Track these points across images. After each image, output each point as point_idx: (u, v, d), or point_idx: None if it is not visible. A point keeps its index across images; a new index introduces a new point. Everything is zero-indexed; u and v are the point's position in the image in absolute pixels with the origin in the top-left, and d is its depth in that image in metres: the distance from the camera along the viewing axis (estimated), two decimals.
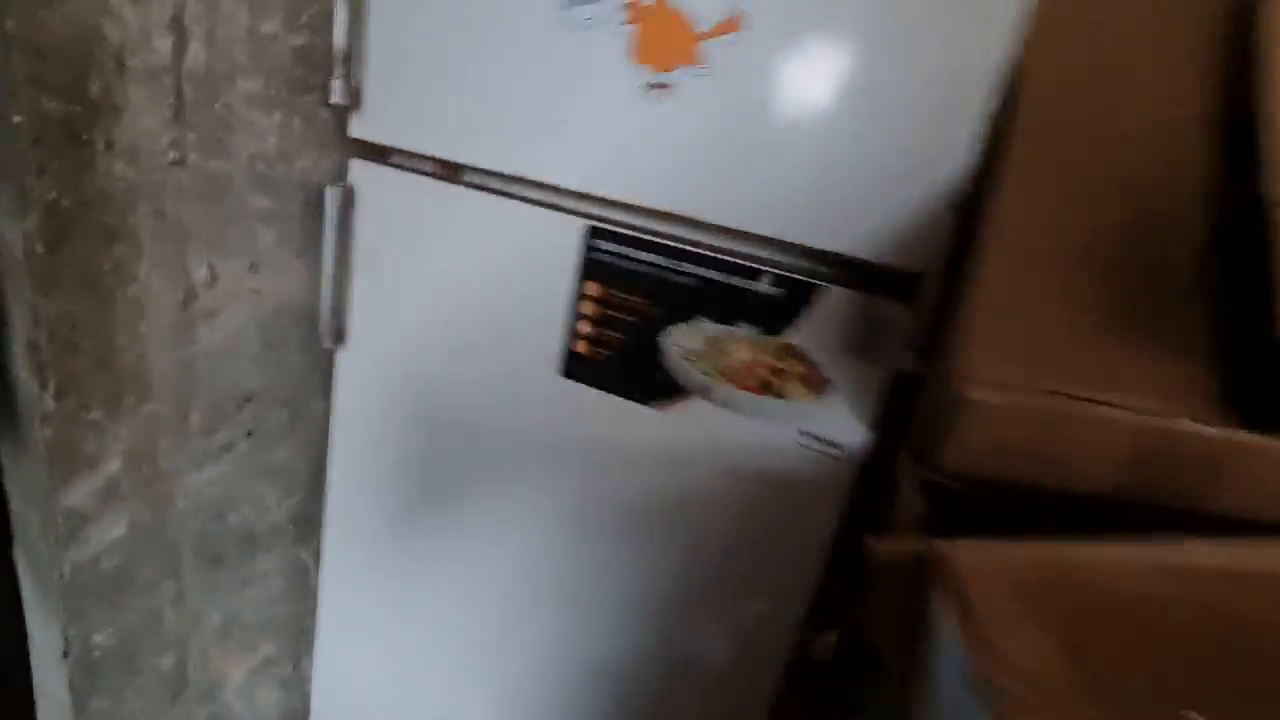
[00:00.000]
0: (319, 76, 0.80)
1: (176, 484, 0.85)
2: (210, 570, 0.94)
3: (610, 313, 0.77)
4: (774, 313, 0.70)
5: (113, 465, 0.78)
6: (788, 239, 0.69)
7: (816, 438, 0.71)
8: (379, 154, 0.83)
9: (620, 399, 0.79)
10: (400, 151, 0.82)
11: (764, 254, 0.70)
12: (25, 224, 0.63)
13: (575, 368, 0.80)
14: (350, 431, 0.97)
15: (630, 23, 0.68)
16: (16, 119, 0.60)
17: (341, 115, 0.83)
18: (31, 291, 0.66)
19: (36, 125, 0.61)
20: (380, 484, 0.98)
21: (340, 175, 0.86)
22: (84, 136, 0.64)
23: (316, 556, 1.07)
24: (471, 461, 0.92)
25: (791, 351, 0.70)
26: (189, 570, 0.91)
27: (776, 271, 0.69)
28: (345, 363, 0.93)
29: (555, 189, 0.76)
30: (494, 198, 0.79)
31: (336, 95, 0.79)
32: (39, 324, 0.68)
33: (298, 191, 0.83)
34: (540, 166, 0.76)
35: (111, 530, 0.80)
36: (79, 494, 0.76)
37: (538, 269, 0.79)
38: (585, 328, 0.78)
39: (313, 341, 0.92)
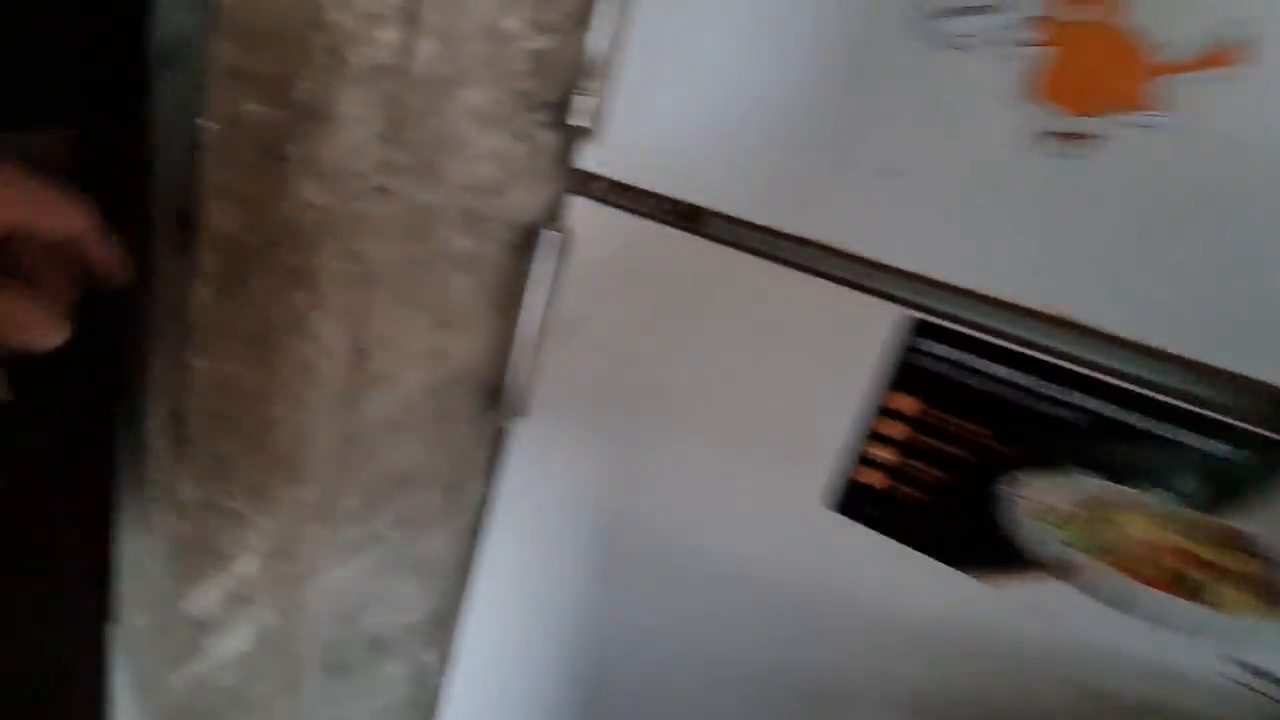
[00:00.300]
0: (552, 90, 0.62)
1: (313, 583, 0.68)
2: (332, 681, 0.76)
3: (926, 439, 0.56)
4: (1213, 479, 0.47)
5: (248, 564, 0.61)
6: (1258, 376, 0.46)
7: (1259, 673, 0.48)
8: (611, 192, 0.65)
9: (921, 555, 0.57)
10: (641, 192, 0.64)
11: (1209, 392, 0.48)
12: (196, 259, 0.47)
13: (856, 502, 0.59)
14: (512, 522, 0.79)
15: (1037, 45, 0.48)
16: (210, 124, 0.44)
17: (569, 140, 0.66)
18: (189, 348, 0.50)
19: (231, 134, 0.45)
20: (536, 585, 0.79)
21: (555, 214, 0.68)
22: (282, 151, 0.48)
23: (443, 661, 0.89)
24: (667, 592, 0.71)
25: (1238, 541, 0.47)
26: (309, 682, 0.74)
27: (1229, 420, 0.47)
28: (521, 441, 0.75)
29: (866, 261, 0.56)
30: (767, 264, 0.60)
31: (578, 116, 0.61)
32: (191, 390, 0.51)
33: (502, 232, 0.66)
34: (848, 229, 0.56)
35: (235, 641, 0.63)
36: (206, 599, 0.59)
37: (815, 363, 0.59)
38: (882, 453, 0.57)
39: (485, 413, 0.74)
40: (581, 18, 0.61)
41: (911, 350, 0.55)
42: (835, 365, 0.58)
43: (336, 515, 0.66)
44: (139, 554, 0.62)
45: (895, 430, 0.57)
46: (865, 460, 0.58)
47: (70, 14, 0.53)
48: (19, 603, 0.68)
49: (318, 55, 0.47)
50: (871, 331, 0.56)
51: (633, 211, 0.65)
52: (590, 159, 0.66)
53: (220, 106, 0.44)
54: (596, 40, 0.60)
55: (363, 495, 0.68)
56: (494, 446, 0.78)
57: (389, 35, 0.50)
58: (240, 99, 0.45)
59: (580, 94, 0.62)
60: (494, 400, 0.75)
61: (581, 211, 0.68)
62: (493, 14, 0.55)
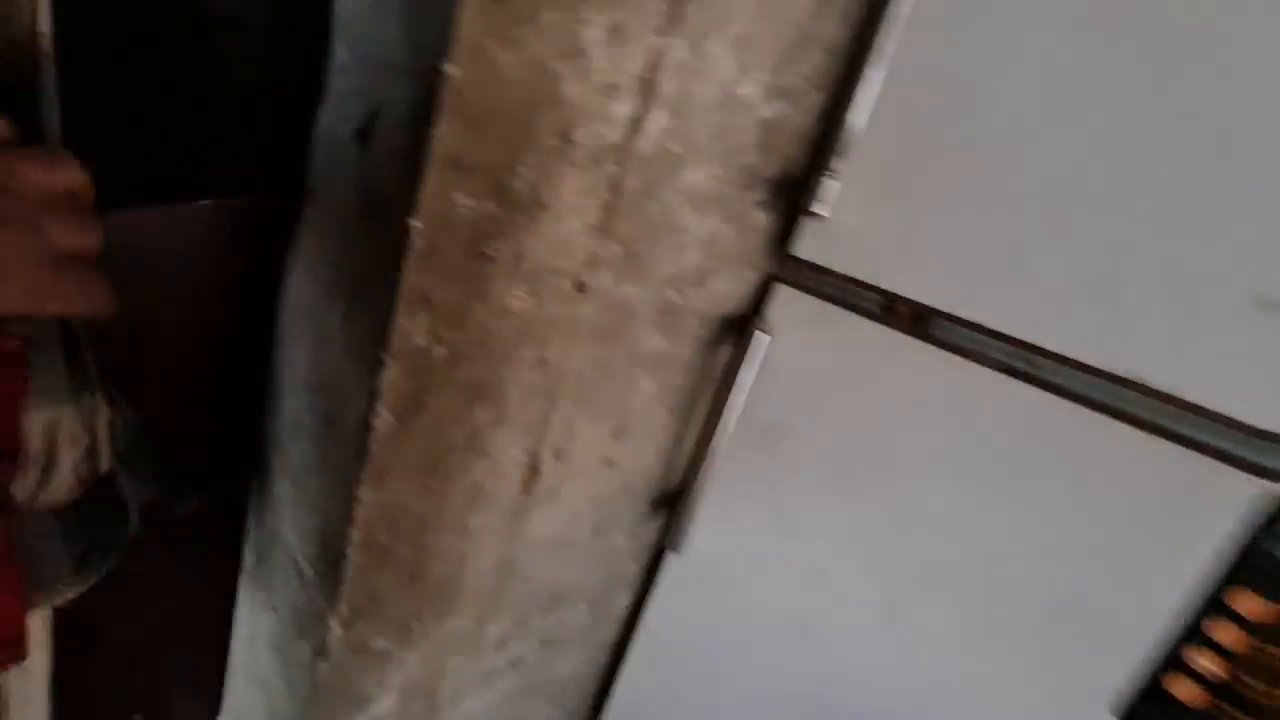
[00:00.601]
0: (774, 165, 0.52)
1: (450, 715, 0.59)
2: None
3: (1272, 651, 0.42)
4: None
5: (386, 702, 0.53)
6: None
7: None
8: (833, 284, 0.54)
9: None
10: (871, 288, 0.52)
11: None
12: (380, 380, 0.39)
13: (1157, 716, 0.45)
14: (658, 643, 0.68)
15: None
16: (414, 223, 0.36)
17: (786, 223, 0.55)
18: (361, 478, 0.41)
19: (437, 232, 0.36)
20: (678, 715, 0.68)
21: (755, 307, 0.57)
22: (488, 251, 0.39)
23: None
24: None
25: None
26: None
27: None
28: (683, 556, 0.64)
29: (1219, 417, 0.43)
30: (1056, 399, 0.47)
31: (807, 195, 0.50)
32: (353, 523, 0.43)
33: (697, 327, 0.55)
34: (1195, 372, 0.43)
35: None
36: None
37: (1125, 535, 0.46)
38: (1208, 661, 0.43)
39: (642, 524, 0.64)
40: (822, 80, 0.51)
41: (1269, 535, 0.41)
42: (1156, 541, 0.44)
43: (484, 644, 0.57)
44: (274, 704, 0.54)
45: (1230, 636, 0.43)
46: (1181, 667, 0.44)
47: (243, 88, 0.45)
48: (120, 696, 0.62)
49: (545, 136, 0.38)
50: (1215, 506, 0.42)
51: (860, 311, 0.53)
52: (811, 245, 0.55)
53: (433, 201, 0.35)
54: (858, 108, 0.49)
55: (512, 620, 0.58)
56: (649, 559, 0.68)
57: (622, 109, 0.40)
58: (453, 191, 0.36)
59: (817, 171, 0.51)
60: (658, 511, 0.64)
61: (792, 305, 0.57)
62: (732, 78, 0.45)
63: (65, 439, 0.38)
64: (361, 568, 0.44)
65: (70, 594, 0.41)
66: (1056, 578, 0.48)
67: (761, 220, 0.54)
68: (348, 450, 0.42)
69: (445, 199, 0.36)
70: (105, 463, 0.41)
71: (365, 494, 0.41)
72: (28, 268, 0.28)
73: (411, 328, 0.38)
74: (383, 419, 0.39)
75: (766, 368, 0.55)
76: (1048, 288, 0.47)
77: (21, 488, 0.36)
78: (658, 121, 0.43)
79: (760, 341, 0.53)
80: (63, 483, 0.39)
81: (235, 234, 0.52)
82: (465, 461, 0.46)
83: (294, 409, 0.50)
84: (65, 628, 0.51)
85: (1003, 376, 0.50)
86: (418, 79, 0.35)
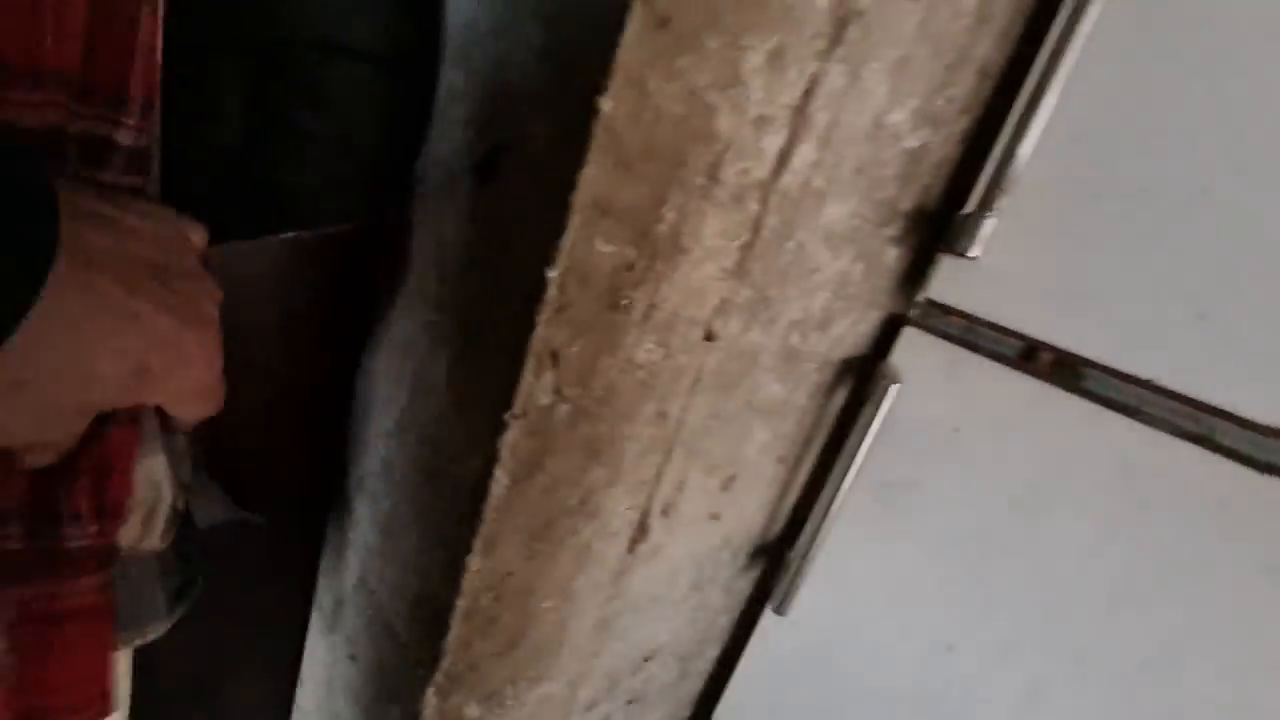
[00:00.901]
0: (911, 198, 0.47)
1: None
2: None
3: None
4: None
5: None
6: None
7: None
8: (972, 329, 0.49)
9: None
10: (1015, 335, 0.47)
11: None
12: (498, 441, 0.35)
13: None
14: (748, 709, 0.63)
15: None
16: (550, 272, 0.32)
17: (920, 262, 0.50)
18: (471, 546, 0.38)
19: (573, 281, 0.33)
20: None
21: (879, 351, 0.53)
22: (625, 300, 0.35)
23: None
24: None
25: None
26: None
27: None
28: (785, 615, 0.59)
29: None
30: (1224, 464, 0.41)
31: (968, 236, 0.45)
32: (459, 593, 0.39)
33: (817, 373, 0.51)
34: None
35: None
36: None
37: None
38: None
39: (739, 578, 0.59)
40: (969, 105, 0.46)
41: None
42: None
43: (574, 708, 0.53)
44: None
45: None
46: None
47: (338, 114, 0.42)
48: None
49: (693, 175, 0.34)
50: None
51: (997, 357, 0.48)
52: (947, 285, 0.50)
53: (573, 248, 0.31)
54: (987, 135, 0.44)
55: (605, 680, 0.54)
56: (741, 613, 0.63)
57: (773, 143, 0.36)
58: (595, 237, 0.32)
59: (960, 205, 0.46)
60: (755, 563, 0.60)
61: (919, 348, 0.52)
62: (884, 105, 0.40)
63: (164, 485, 0.36)
64: (463, 637, 0.41)
65: (163, 630, 0.40)
66: (1238, 681, 0.42)
67: (893, 257, 0.49)
68: (453, 511, 0.39)
69: (586, 245, 0.32)
70: (183, 498, 0.39)
71: (474, 562, 0.38)
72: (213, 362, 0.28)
73: (536, 386, 0.34)
74: (499, 483, 0.35)
75: (889, 415, 0.50)
76: (1231, 345, 0.42)
77: (125, 537, 0.34)
78: (805, 155, 0.38)
79: (889, 390, 0.48)
80: (161, 526, 0.37)
81: (321, 263, 0.49)
82: (575, 524, 0.42)
83: (387, 453, 0.47)
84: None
85: (1169, 437, 0.44)
86: (560, 112, 0.31)
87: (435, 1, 0.42)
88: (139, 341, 0.25)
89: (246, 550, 0.56)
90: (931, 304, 0.50)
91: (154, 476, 0.36)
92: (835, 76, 0.36)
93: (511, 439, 0.35)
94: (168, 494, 0.36)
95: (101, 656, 0.31)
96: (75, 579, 0.30)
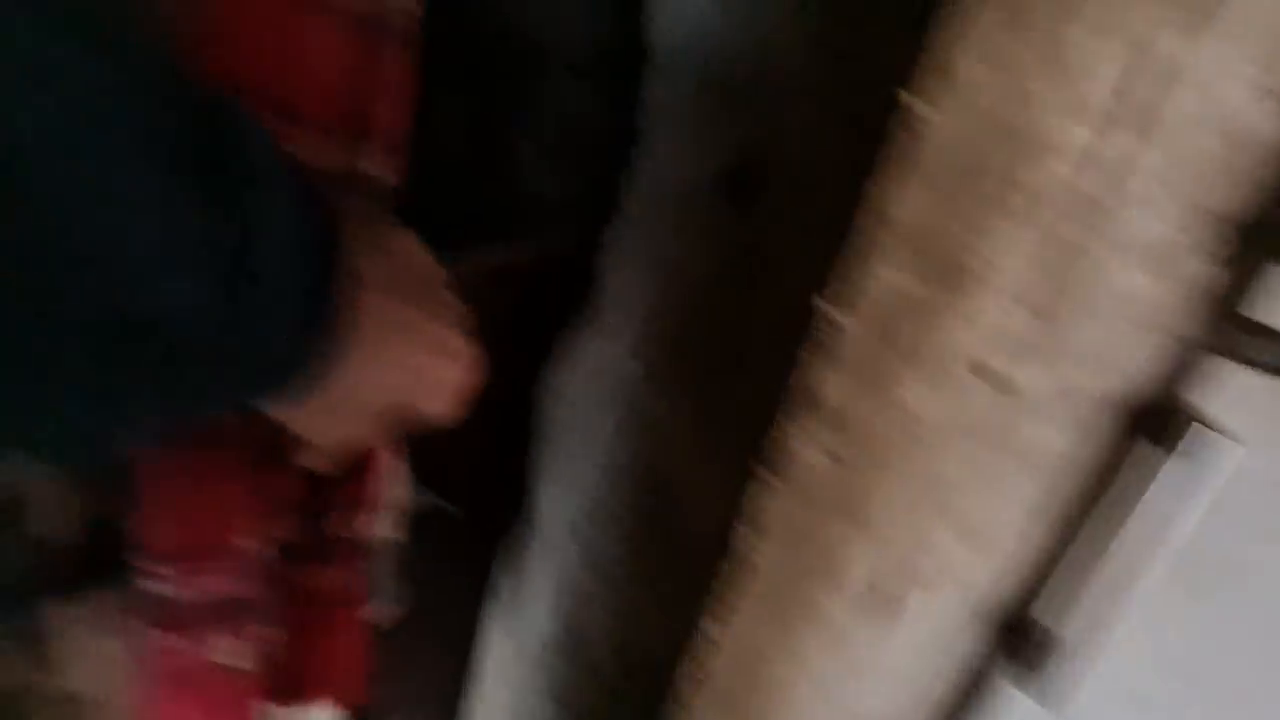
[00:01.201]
0: (1237, 199, 0.37)
1: None
2: None
3: None
4: None
5: None
6: None
7: None
8: None
9: None
10: None
11: None
12: (749, 499, 0.31)
13: None
14: None
15: None
16: (825, 306, 0.27)
17: (1242, 280, 0.40)
18: (711, 612, 0.34)
19: (849, 316, 0.28)
20: None
21: (1188, 392, 0.43)
22: (903, 335, 0.30)
23: None
24: None
25: None
26: None
27: None
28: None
29: None
30: None
31: None
32: (690, 658, 0.35)
33: (1102, 420, 0.42)
34: None
35: None
36: None
37: None
38: None
39: (976, 650, 0.50)
40: None
41: None
42: None
43: None
44: None
45: None
46: None
47: (541, 128, 0.41)
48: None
49: (993, 182, 0.28)
50: None
51: None
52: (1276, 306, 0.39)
53: (856, 277, 0.27)
54: None
55: None
56: (969, 688, 0.54)
57: (1080, 137, 0.29)
58: (881, 265, 0.27)
59: None
60: (1000, 637, 0.51)
61: (1241, 388, 0.41)
62: (1211, 78, 0.32)
63: (394, 476, 0.38)
64: (683, 698, 0.37)
65: (397, 616, 0.42)
66: None
67: (1215, 278, 0.39)
68: (680, 567, 0.35)
69: (869, 274, 0.27)
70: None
71: (712, 629, 0.33)
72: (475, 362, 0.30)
73: (797, 436, 0.30)
74: (746, 544, 0.31)
75: (1208, 473, 0.40)
76: None
77: (379, 529, 0.36)
78: (1116, 148, 0.31)
79: (1218, 447, 0.38)
80: (401, 520, 0.39)
81: (517, 277, 0.48)
82: (813, 586, 0.36)
83: (598, 491, 0.44)
84: None
85: None
86: (840, 113, 0.27)
87: (642, 12, 0.40)
88: (417, 349, 0.26)
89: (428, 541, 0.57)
90: (1263, 329, 0.39)
91: (398, 474, 0.37)
92: (1166, 44, 0.29)
93: (764, 496, 0.30)
94: (404, 490, 0.38)
95: (359, 640, 0.34)
96: (338, 567, 0.32)
